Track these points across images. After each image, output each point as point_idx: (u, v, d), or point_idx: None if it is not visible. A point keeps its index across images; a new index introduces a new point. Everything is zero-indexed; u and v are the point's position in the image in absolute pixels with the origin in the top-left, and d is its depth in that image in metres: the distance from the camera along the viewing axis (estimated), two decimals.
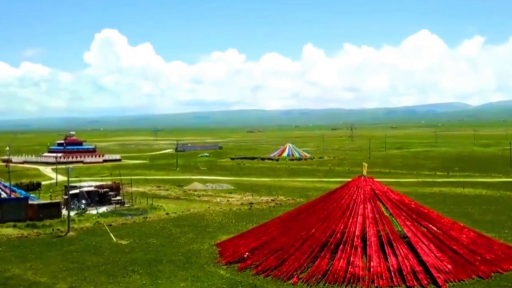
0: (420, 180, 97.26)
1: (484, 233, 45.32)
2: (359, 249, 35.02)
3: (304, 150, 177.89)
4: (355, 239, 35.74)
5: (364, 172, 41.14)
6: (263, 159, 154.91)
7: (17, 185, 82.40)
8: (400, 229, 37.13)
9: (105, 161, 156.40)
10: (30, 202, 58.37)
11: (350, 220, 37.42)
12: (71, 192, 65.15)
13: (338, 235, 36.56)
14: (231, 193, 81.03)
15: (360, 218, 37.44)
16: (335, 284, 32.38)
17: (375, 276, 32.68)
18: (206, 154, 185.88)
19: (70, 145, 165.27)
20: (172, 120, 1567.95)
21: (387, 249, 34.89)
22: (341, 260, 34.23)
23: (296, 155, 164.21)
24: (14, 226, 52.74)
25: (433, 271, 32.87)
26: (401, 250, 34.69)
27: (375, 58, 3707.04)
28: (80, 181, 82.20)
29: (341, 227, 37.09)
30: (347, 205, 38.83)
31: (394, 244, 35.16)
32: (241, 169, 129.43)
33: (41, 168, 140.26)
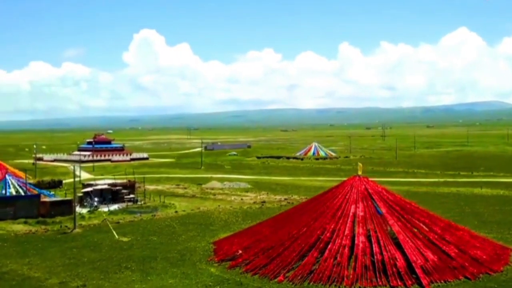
0: (441, 180, 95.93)
1: (486, 234, 44.93)
2: (346, 249, 35.01)
3: (330, 150, 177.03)
4: (344, 239, 35.75)
5: (359, 172, 41.04)
6: (288, 158, 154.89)
7: (39, 183, 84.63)
8: (390, 229, 36.95)
9: (132, 159, 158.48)
10: (42, 199, 59.76)
11: (341, 220, 37.42)
12: (85, 190, 66.79)
13: (328, 234, 36.59)
14: (247, 191, 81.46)
15: (351, 218, 37.42)
16: (319, 283, 32.49)
17: (359, 276, 32.66)
18: (234, 153, 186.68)
19: (99, 143, 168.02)
20: (208, 119, 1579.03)
21: (375, 249, 34.82)
22: (328, 259, 34.30)
23: (322, 154, 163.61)
24: (25, 223, 54.28)
25: (418, 271, 32.70)
26: (388, 250, 34.56)
27: (413, 56, 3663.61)
28: (103, 178, 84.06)
29: (332, 226, 37.09)
30: (339, 204, 38.81)
31: (382, 244, 35.06)
32: (264, 168, 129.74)
33: (70, 166, 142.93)
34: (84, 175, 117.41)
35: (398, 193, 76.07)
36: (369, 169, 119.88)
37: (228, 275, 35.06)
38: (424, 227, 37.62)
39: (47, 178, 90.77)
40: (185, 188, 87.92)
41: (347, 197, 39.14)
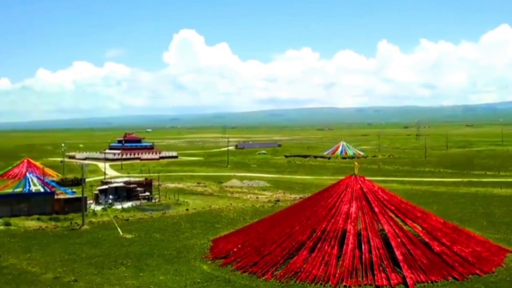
0: (465, 180, 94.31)
1: (491, 234, 44.37)
2: (335, 248, 35.01)
3: (359, 149, 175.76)
4: (334, 238, 35.74)
5: (356, 171, 40.91)
6: (315, 157, 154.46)
7: (62, 180, 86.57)
8: (382, 228, 36.77)
9: (161, 157, 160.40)
10: (56, 196, 61.18)
11: (333, 219, 37.44)
12: (100, 187, 68.08)
13: (319, 233, 36.66)
14: (265, 190, 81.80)
15: (343, 217, 37.39)
16: (305, 282, 32.58)
17: (345, 275, 32.63)
18: (264, 151, 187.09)
19: (129, 142, 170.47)
20: (247, 118, 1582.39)
21: (364, 248, 34.73)
22: (316, 258, 34.37)
23: (350, 153, 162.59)
24: (38, 219, 55.71)
25: (404, 271, 32.50)
26: (377, 249, 34.43)
27: (453, 53, 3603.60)
28: (122, 177, 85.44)
29: (323, 225, 37.15)
30: (333, 203, 38.84)
31: (372, 243, 34.94)
32: (289, 167, 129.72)
33: (100, 164, 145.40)
34: (112, 173, 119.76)
35: (416, 192, 76.29)
36: (395, 168, 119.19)
37: (219, 273, 35.47)
38: (417, 227, 37.33)
39: (70, 176, 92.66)
40: (205, 186, 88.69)
41: (341, 196, 39.14)
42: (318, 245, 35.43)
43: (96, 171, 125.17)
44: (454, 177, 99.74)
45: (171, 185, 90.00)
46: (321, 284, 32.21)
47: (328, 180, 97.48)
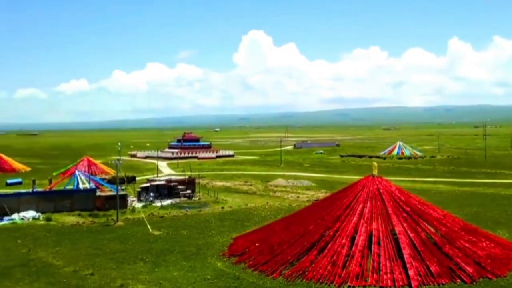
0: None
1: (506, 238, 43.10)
2: (345, 248, 35.03)
3: (415, 149, 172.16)
4: (345, 238, 35.76)
5: (374, 172, 40.67)
6: (370, 157, 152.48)
7: (113, 178, 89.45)
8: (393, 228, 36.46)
9: (218, 156, 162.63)
10: (98, 193, 63.58)
11: (347, 219, 37.40)
12: (143, 185, 70.15)
13: (331, 233, 36.76)
14: (308, 189, 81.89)
15: (356, 217, 37.32)
16: (311, 281, 32.82)
17: (351, 275, 32.64)
18: (321, 151, 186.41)
19: (187, 141, 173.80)
20: (313, 117, 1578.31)
21: (374, 249, 34.58)
22: (325, 258, 34.53)
23: (406, 153, 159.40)
24: (79, 215, 58.23)
25: (410, 273, 32.22)
26: (386, 250, 34.22)
27: None
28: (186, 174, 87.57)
29: (337, 225, 37.19)
30: (348, 203, 38.81)
31: (382, 244, 34.75)
32: (341, 166, 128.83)
33: (159, 162, 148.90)
34: (168, 171, 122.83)
35: (460, 194, 74.43)
36: (450, 169, 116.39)
37: (231, 270, 36.19)
38: (430, 228, 36.76)
39: (120, 174, 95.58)
40: (251, 185, 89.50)
41: (357, 196, 39.05)
42: (329, 245, 35.54)
43: (153, 169, 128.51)
44: (508, 178, 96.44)
45: (219, 184, 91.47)
46: (326, 283, 32.39)
47: None
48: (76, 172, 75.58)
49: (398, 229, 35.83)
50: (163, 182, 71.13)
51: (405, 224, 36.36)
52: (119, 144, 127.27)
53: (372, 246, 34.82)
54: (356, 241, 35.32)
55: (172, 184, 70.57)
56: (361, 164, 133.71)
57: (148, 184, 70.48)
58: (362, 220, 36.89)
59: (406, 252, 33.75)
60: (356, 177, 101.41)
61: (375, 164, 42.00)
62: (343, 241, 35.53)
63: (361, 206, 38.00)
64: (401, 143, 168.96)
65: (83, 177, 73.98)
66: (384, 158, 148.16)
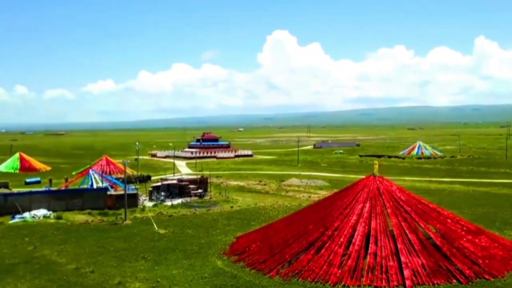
0: None
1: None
2: (342, 247, 34.99)
3: (435, 149, 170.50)
4: (343, 237, 35.72)
5: (375, 171, 40.57)
6: (389, 157, 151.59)
7: (129, 178, 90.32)
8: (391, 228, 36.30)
9: (236, 156, 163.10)
10: (108, 192, 64.30)
11: (346, 218, 37.34)
12: (154, 184, 70.76)
13: (330, 232, 36.71)
14: (321, 189, 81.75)
15: (355, 217, 37.24)
16: (306, 280, 32.87)
17: (346, 274, 32.62)
18: (341, 151, 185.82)
19: (207, 141, 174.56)
20: (338, 117, 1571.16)
21: (371, 248, 34.48)
22: (322, 257, 34.54)
23: (426, 153, 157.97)
24: (89, 213, 58.95)
25: (405, 273, 32.06)
26: (383, 250, 34.10)
27: None
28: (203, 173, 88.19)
29: (335, 225, 37.14)
30: (348, 203, 38.74)
31: (379, 244, 34.64)
32: (358, 166, 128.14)
33: (177, 162, 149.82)
34: (186, 171, 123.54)
35: (474, 194, 73.58)
36: (469, 169, 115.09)
37: (230, 268, 36.41)
38: (431, 228, 36.48)
39: (135, 173, 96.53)
40: (265, 184, 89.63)
41: (356, 196, 38.96)
42: (326, 245, 35.54)
43: (171, 168, 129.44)
44: None
45: (233, 183, 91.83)
46: (321, 283, 32.41)
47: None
48: (90, 171, 76.49)
49: (396, 229, 35.66)
50: (174, 182, 71.63)
51: (404, 224, 36.18)
52: (137, 144, 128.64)
53: (370, 246, 34.74)
54: (353, 240, 35.26)
55: (183, 183, 71.03)
56: (379, 164, 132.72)
57: (159, 184, 71.05)
58: (360, 220, 36.80)
59: (402, 252, 33.60)
60: None
61: (376, 162, 41.87)
62: (341, 240, 35.48)
63: (360, 205, 37.91)
64: (421, 143, 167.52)
65: (97, 177, 74.87)
66: (403, 158, 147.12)
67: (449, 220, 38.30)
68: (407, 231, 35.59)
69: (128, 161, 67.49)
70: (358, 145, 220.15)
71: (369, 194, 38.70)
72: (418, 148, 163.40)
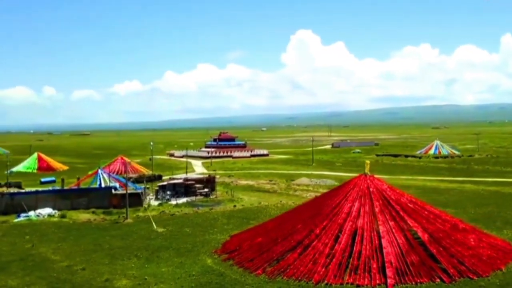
0: None
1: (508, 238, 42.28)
2: (328, 246, 35.07)
3: (454, 148, 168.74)
4: (329, 236, 35.80)
5: (366, 170, 40.53)
6: (406, 156, 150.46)
7: (140, 177, 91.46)
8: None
9: (252, 155, 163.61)
10: (114, 191, 65.14)
11: (334, 217, 37.40)
12: (160, 183, 71.49)
13: (318, 231, 36.80)
14: (329, 188, 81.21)
15: (343, 215, 37.28)
16: (290, 279, 33.03)
17: (329, 273, 32.71)
18: (358, 150, 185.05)
19: (223, 141, 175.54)
20: (362, 116, 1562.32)
21: (356, 247, 34.51)
22: (308, 256, 34.68)
23: (444, 152, 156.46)
24: (93, 212, 59.81)
25: (388, 271, 32.05)
26: (369, 249, 34.11)
27: None
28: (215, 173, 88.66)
29: (324, 224, 37.22)
30: (338, 202, 38.80)
31: (365, 242, 34.66)
32: (372, 165, 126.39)
33: (194, 161, 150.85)
34: (200, 170, 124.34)
35: (483, 193, 72.81)
36: (484, 168, 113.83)
37: (218, 267, 36.69)
38: (420, 227, 36.33)
39: (146, 173, 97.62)
40: (274, 183, 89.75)
41: (347, 195, 38.98)
42: (313, 243, 35.65)
43: (186, 168, 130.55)
44: None
45: (243, 182, 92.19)
46: (304, 281, 32.55)
47: (403, 180, 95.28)
48: (99, 171, 77.47)
49: (383, 227, 35.63)
50: (180, 181, 72.27)
51: (391, 223, 36.11)
52: (151, 144, 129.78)
53: (355, 244, 34.77)
54: (339, 239, 35.33)
55: (189, 182, 71.61)
56: (394, 164, 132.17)
57: (166, 183, 71.75)
58: (348, 219, 36.84)
59: (386, 251, 33.57)
60: (384, 177, 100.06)
61: (368, 162, 41.85)
62: (327, 239, 35.57)
63: (349, 204, 37.95)
64: (438, 142, 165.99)
65: (105, 176, 75.81)
66: (420, 158, 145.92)
67: (439, 219, 38.12)
68: (393, 230, 35.54)
69: (130, 161, 68.16)
70: (377, 144, 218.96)
71: (359, 193, 38.70)
72: (436, 147, 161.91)
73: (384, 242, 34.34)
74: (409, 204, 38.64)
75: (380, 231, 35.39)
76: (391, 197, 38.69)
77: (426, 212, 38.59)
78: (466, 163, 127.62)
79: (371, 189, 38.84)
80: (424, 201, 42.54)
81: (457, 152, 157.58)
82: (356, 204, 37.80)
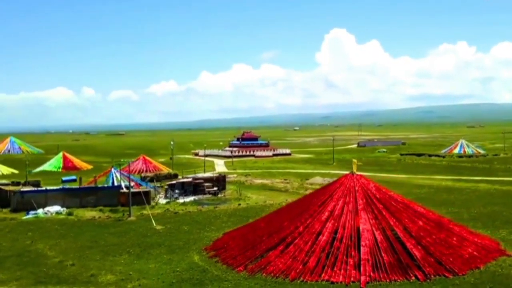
0: None
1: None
2: (308, 244, 35.47)
3: (479, 147, 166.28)
4: (311, 234, 36.20)
5: (354, 169, 40.73)
6: (430, 155, 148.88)
7: (156, 176, 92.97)
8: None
9: (275, 155, 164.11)
10: (121, 190, 66.47)
11: (318, 216, 37.76)
12: (169, 182, 72.66)
13: (301, 228, 37.22)
14: None
15: (326, 214, 37.59)
16: (269, 275, 33.57)
17: (305, 270, 33.14)
18: (384, 150, 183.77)
19: (246, 140, 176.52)
20: (397, 115, 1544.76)
21: (335, 245, 34.83)
22: (288, 254, 35.16)
23: (468, 151, 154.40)
24: (100, 210, 61.33)
25: (363, 269, 32.32)
26: (347, 247, 34.44)
27: None
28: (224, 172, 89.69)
29: (307, 222, 37.61)
30: (324, 200, 39.14)
31: (344, 240, 34.97)
32: (393, 165, 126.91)
33: (216, 161, 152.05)
34: (222, 169, 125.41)
35: (494, 192, 72.00)
36: (506, 167, 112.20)
37: (203, 263, 37.45)
38: (400, 225, 36.44)
39: (163, 172, 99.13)
40: (288, 182, 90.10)
41: (332, 194, 39.29)
42: (296, 241, 36.09)
43: (207, 167, 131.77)
44: None
45: (258, 181, 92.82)
46: (281, 278, 33.04)
47: (420, 179, 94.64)
48: (112, 170, 79.06)
49: (363, 226, 35.87)
50: (189, 180, 73.32)
51: (372, 221, 36.33)
52: (172, 143, 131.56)
53: (334, 242, 35.10)
54: (320, 237, 35.70)
55: (198, 181, 72.60)
56: (416, 163, 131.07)
57: (175, 181, 72.87)
58: (331, 217, 37.16)
59: (363, 249, 33.86)
60: (402, 176, 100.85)
61: (355, 161, 42.05)
62: (309, 237, 35.97)
63: (334, 203, 38.26)
64: (463, 141, 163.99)
65: (118, 175, 77.27)
66: (444, 157, 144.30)
67: (423, 218, 38.16)
68: (373, 228, 35.77)
69: (130, 161, 69.48)
70: (403, 143, 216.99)
71: (344, 191, 38.98)
72: (460, 146, 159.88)
73: (362, 240, 34.60)
74: (393, 203, 38.75)
75: (360, 229, 35.64)
76: (376, 196, 38.83)
77: (410, 211, 38.63)
78: (489, 162, 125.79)
79: (356, 188, 39.05)
80: (412, 200, 42.62)
81: (482, 151, 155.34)
82: (340, 203, 38.09)
